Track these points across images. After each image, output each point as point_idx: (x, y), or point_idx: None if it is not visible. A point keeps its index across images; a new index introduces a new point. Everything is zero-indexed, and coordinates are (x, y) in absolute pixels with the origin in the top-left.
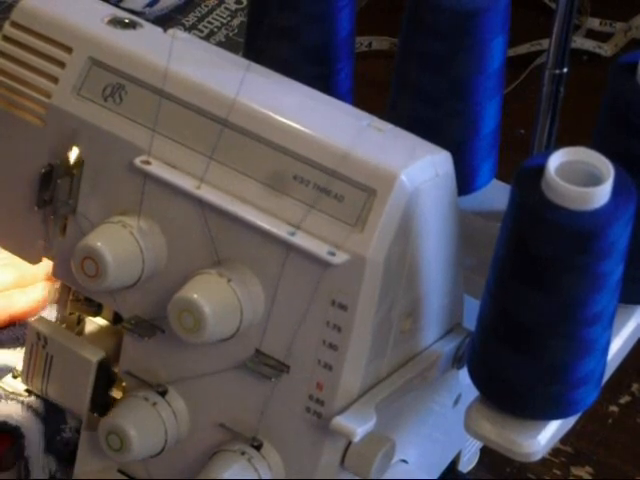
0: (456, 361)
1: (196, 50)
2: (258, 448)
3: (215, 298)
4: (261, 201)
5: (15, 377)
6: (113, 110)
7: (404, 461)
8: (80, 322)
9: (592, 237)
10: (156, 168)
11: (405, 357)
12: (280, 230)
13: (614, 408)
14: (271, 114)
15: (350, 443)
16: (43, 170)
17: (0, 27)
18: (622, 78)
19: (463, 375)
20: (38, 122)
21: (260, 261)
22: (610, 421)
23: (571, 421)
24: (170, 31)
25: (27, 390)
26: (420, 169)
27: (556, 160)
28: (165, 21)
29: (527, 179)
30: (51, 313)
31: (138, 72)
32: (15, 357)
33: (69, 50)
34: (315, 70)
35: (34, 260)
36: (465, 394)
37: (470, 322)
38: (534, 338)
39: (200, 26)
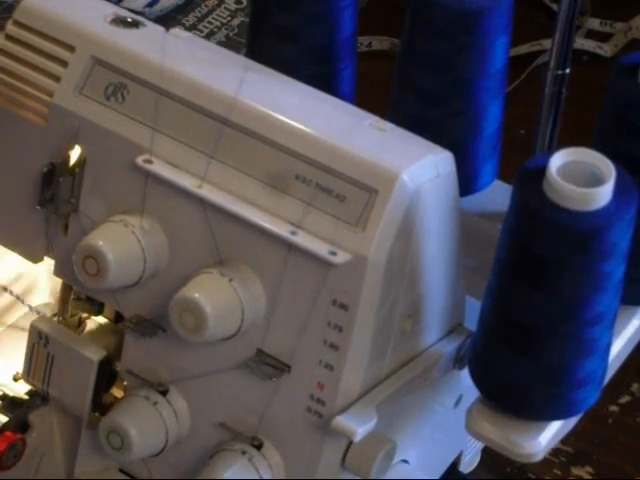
0: (457, 362)
1: (198, 49)
2: (259, 448)
3: (216, 298)
4: (262, 200)
5: (16, 380)
6: (115, 109)
7: (405, 461)
8: (81, 324)
9: (593, 237)
10: (158, 167)
11: (406, 357)
12: (281, 230)
13: (614, 408)
14: (273, 113)
15: (351, 443)
16: (45, 169)
17: (0, 27)
18: (623, 79)
19: (464, 376)
20: (40, 121)
21: (261, 261)
22: (610, 421)
23: (572, 422)
24: (172, 30)
25: (28, 393)
26: (422, 169)
27: (557, 161)
28: (165, 21)
29: (529, 180)
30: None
31: (140, 71)
32: None
33: (71, 49)
34: (317, 70)
35: (36, 259)
36: (466, 395)
37: (471, 323)
38: (535, 339)
39: (200, 26)
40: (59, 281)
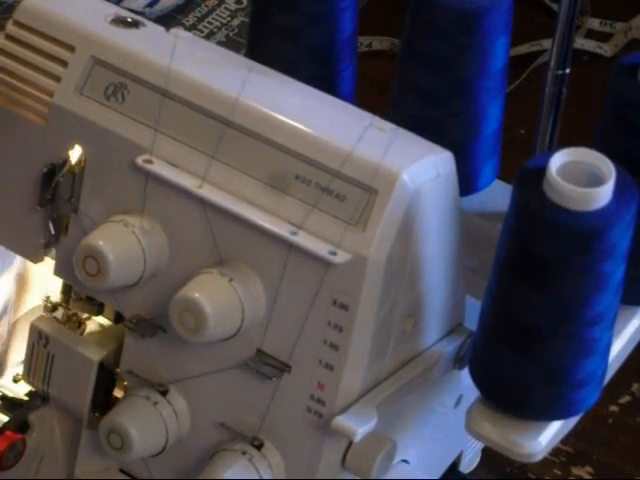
0: (457, 362)
1: (199, 49)
2: (259, 448)
3: (216, 297)
4: (263, 200)
5: (16, 381)
6: (115, 109)
7: (405, 461)
8: (81, 325)
9: (593, 238)
10: (158, 167)
11: (406, 357)
12: (282, 230)
13: (614, 408)
14: (273, 114)
15: (351, 443)
16: (45, 169)
17: (0, 27)
18: (624, 79)
19: (464, 376)
20: (40, 121)
21: (262, 261)
22: (610, 421)
23: (572, 422)
24: (173, 30)
25: (28, 394)
26: (422, 169)
27: (558, 160)
28: (165, 21)
29: (529, 180)
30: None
31: (140, 71)
32: None
33: (71, 49)
34: (318, 70)
35: (36, 259)
36: (466, 395)
37: (471, 323)
38: (535, 339)
39: (200, 26)
40: (58, 281)
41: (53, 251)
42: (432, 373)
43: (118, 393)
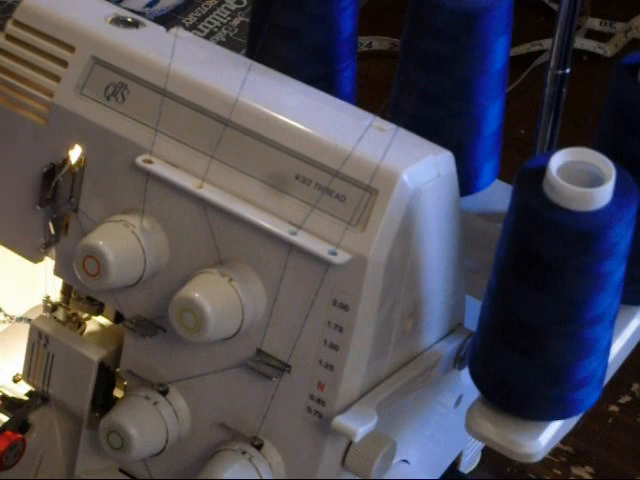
0: (457, 362)
1: (199, 49)
2: (259, 448)
3: (216, 297)
4: (263, 200)
5: (16, 381)
6: (115, 109)
7: (405, 461)
8: (81, 325)
9: (594, 238)
10: (158, 167)
11: (406, 357)
12: (282, 230)
13: (614, 408)
14: (273, 114)
15: (351, 443)
16: (45, 169)
17: (0, 27)
18: (624, 79)
19: (464, 376)
20: (40, 121)
21: (262, 261)
22: (610, 421)
23: (572, 422)
24: (173, 30)
25: (28, 394)
26: (422, 169)
27: (558, 161)
28: (165, 21)
29: (529, 180)
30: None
31: (141, 71)
32: None
33: (71, 49)
34: (318, 70)
35: (36, 259)
36: (466, 395)
37: (472, 323)
38: (536, 338)
39: (200, 26)
40: (58, 281)
41: (53, 251)
42: (432, 373)
43: (118, 393)
